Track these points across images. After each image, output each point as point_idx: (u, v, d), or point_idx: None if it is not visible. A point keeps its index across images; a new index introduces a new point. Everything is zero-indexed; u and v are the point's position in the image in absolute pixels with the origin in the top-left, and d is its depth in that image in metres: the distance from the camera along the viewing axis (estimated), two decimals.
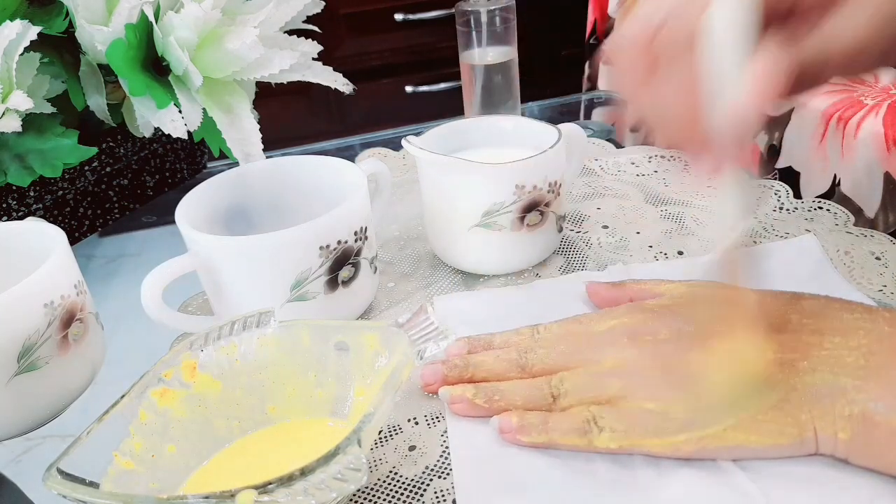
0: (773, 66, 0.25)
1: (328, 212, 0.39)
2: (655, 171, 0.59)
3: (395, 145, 0.69)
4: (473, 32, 0.64)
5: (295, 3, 0.55)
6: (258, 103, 0.57)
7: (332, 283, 0.41)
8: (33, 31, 0.47)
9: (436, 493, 0.32)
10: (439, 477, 0.33)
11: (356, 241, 0.41)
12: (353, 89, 0.57)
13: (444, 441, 0.35)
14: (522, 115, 0.68)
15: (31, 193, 0.53)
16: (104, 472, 0.29)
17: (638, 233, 0.51)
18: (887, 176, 0.53)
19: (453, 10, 0.64)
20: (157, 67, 0.52)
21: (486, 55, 0.64)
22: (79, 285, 0.39)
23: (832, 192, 0.57)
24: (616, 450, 0.32)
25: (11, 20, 0.47)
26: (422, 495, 0.32)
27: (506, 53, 0.64)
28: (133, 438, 0.31)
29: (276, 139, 0.60)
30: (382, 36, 1.33)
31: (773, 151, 0.63)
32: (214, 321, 0.42)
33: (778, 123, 0.62)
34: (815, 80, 0.28)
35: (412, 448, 0.35)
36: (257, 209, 0.47)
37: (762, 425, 0.30)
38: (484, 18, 0.63)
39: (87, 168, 0.57)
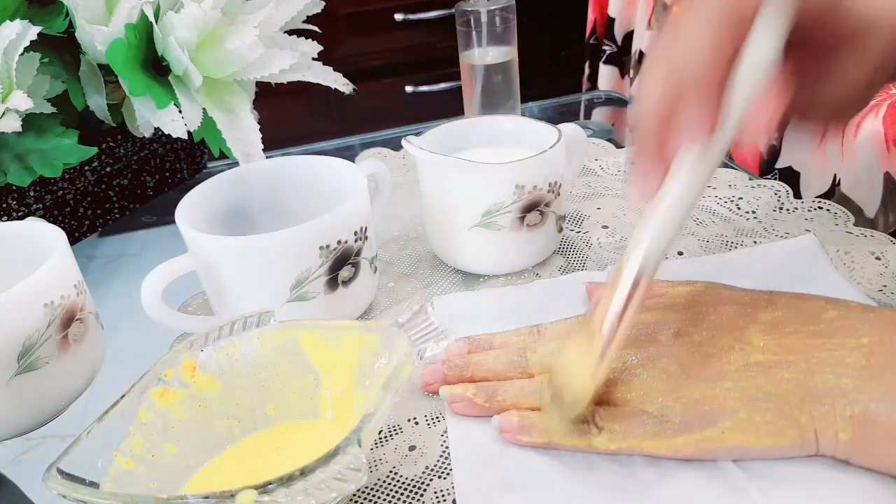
0: (771, 107, 0.26)
1: (328, 212, 0.39)
2: None
3: (395, 145, 0.69)
4: (473, 32, 0.64)
5: (295, 3, 0.55)
6: (258, 103, 0.57)
7: (332, 283, 0.41)
8: (33, 31, 0.47)
9: (436, 493, 0.32)
10: (439, 477, 0.33)
11: (356, 241, 0.41)
12: (353, 89, 0.57)
13: (444, 441, 0.35)
14: (522, 115, 0.69)
15: (31, 193, 0.53)
16: (104, 472, 0.29)
17: None
18: (887, 176, 0.53)
19: (453, 10, 0.64)
20: (157, 67, 0.52)
21: (486, 55, 0.64)
22: (79, 285, 0.39)
23: (832, 192, 0.57)
24: (615, 451, 0.32)
25: (11, 20, 0.47)
26: (422, 495, 0.32)
27: (506, 53, 0.64)
28: (133, 438, 0.31)
29: (276, 139, 0.60)
30: (382, 36, 1.33)
31: (773, 151, 0.63)
32: (214, 321, 0.42)
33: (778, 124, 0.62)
34: (803, 117, 0.29)
35: (412, 448, 0.35)
36: (257, 209, 0.47)
37: (762, 426, 0.30)
38: (484, 18, 0.63)
39: (87, 168, 0.57)
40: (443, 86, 1.35)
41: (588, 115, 0.79)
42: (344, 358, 0.34)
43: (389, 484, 0.33)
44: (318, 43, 0.57)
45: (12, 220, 0.50)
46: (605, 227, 0.52)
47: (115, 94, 0.55)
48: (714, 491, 0.30)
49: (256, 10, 0.52)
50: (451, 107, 0.74)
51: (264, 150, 0.52)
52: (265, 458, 0.33)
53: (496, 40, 0.64)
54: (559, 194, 0.46)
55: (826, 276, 0.42)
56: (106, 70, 0.53)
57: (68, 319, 0.37)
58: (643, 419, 0.31)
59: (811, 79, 0.29)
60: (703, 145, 0.26)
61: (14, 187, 0.52)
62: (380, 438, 0.35)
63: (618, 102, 0.82)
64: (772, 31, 0.26)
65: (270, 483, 0.25)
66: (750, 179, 0.56)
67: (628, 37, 1.09)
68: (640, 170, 0.28)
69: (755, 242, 0.48)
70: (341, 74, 0.57)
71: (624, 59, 1.07)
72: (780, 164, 0.62)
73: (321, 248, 0.39)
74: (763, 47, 0.26)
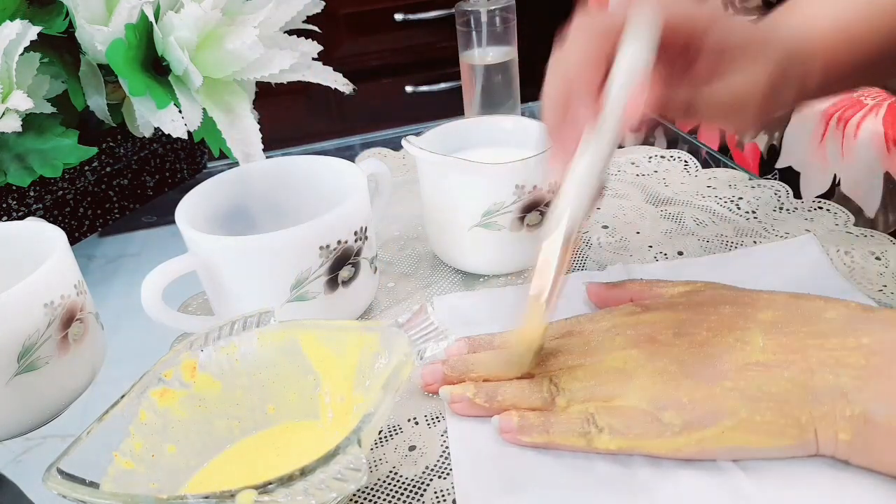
0: (642, 97, 0.31)
1: (328, 212, 0.39)
2: (655, 171, 0.59)
3: (395, 145, 0.69)
4: (473, 32, 0.64)
5: (295, 3, 0.55)
6: (258, 103, 0.57)
7: (332, 283, 0.41)
8: (33, 31, 0.47)
9: (436, 493, 0.32)
10: (439, 477, 0.33)
11: (356, 241, 0.41)
12: (353, 89, 0.57)
13: (444, 441, 0.35)
14: (522, 115, 0.68)
15: (31, 193, 0.53)
16: (104, 472, 0.29)
17: (638, 233, 0.51)
18: (887, 176, 0.53)
19: (453, 10, 0.64)
20: (157, 67, 0.52)
21: (486, 55, 0.64)
22: (79, 285, 0.39)
23: (832, 192, 0.57)
24: (615, 450, 0.32)
25: (11, 20, 0.47)
26: (422, 495, 0.32)
27: (506, 53, 0.64)
28: (133, 438, 0.31)
29: (276, 139, 0.60)
30: (382, 36, 1.33)
31: (773, 151, 0.63)
32: (214, 321, 0.42)
33: (778, 123, 0.62)
34: (687, 115, 0.35)
35: (412, 448, 0.35)
36: (257, 209, 0.47)
37: (763, 426, 0.30)
38: (484, 18, 0.63)
39: (87, 168, 0.57)
40: (443, 86, 1.35)
41: None
42: (344, 358, 0.34)
43: (389, 484, 0.33)
44: (318, 43, 0.57)
45: (12, 220, 0.50)
46: (605, 227, 0.52)
47: (115, 94, 0.55)
48: (714, 491, 0.30)
49: (256, 10, 0.52)
50: (451, 107, 0.74)
51: (264, 150, 0.52)
52: (265, 458, 0.33)
53: (496, 40, 0.64)
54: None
55: (826, 276, 0.42)
56: (106, 70, 0.53)
57: (68, 319, 0.37)
58: (643, 419, 0.31)
59: (702, 80, 0.34)
60: (594, 131, 0.32)
61: (14, 187, 0.52)
62: (380, 438, 0.35)
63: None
64: (638, 42, 0.32)
65: (270, 483, 0.25)
66: (750, 179, 0.56)
67: None
68: (552, 150, 0.34)
69: (755, 242, 0.48)
70: (341, 74, 0.57)
71: None
72: (780, 164, 0.62)
73: (321, 248, 0.39)
74: (631, 54, 0.32)
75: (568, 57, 0.33)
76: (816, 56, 0.37)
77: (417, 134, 0.47)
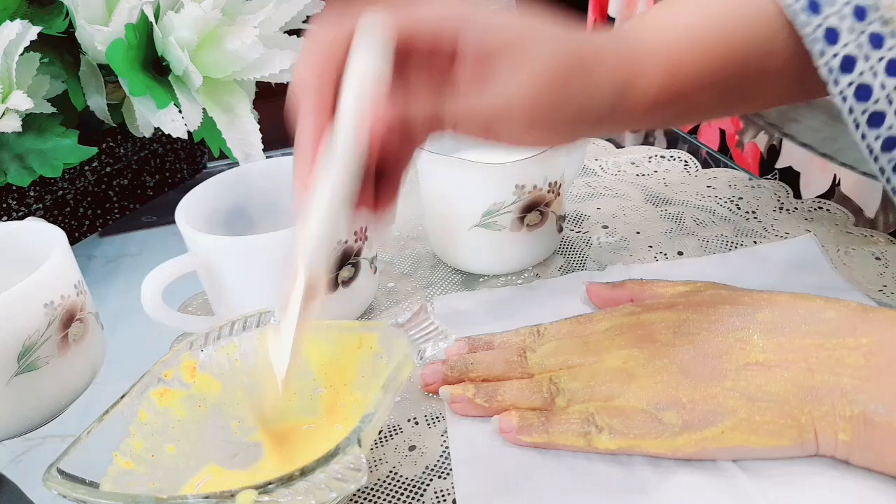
0: (374, 115, 0.28)
1: None
2: (655, 171, 0.59)
3: None
4: None
5: (295, 3, 0.55)
6: (258, 103, 0.57)
7: (332, 283, 0.41)
8: (33, 31, 0.47)
9: (436, 493, 0.32)
10: (439, 477, 0.33)
11: (356, 241, 0.41)
12: None
13: (444, 441, 0.35)
14: None
15: (31, 193, 0.53)
16: (104, 472, 0.29)
17: (638, 233, 0.51)
18: None
19: None
20: (157, 67, 0.52)
21: None
22: (79, 285, 0.39)
23: (832, 192, 0.57)
24: (615, 450, 0.32)
25: (11, 20, 0.47)
26: (422, 495, 0.32)
27: None
28: (133, 438, 0.31)
29: (276, 139, 0.60)
30: None
31: (773, 151, 0.63)
32: (214, 321, 0.42)
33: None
34: (438, 129, 0.31)
35: (412, 448, 0.35)
36: (257, 209, 0.47)
37: (762, 426, 0.30)
38: None
39: (87, 168, 0.57)
40: None
41: None
42: (344, 358, 0.34)
43: (389, 484, 0.33)
44: None
45: (12, 220, 0.50)
46: (605, 227, 0.52)
47: (115, 94, 0.55)
48: (714, 491, 0.30)
49: (256, 10, 0.53)
50: None
51: (264, 150, 0.52)
52: (265, 458, 0.33)
53: None
54: (559, 194, 0.46)
55: (826, 276, 0.42)
56: (106, 70, 0.53)
57: (68, 319, 0.37)
58: (643, 419, 0.31)
59: (464, 90, 0.29)
60: (328, 150, 0.28)
61: (14, 187, 0.52)
62: (380, 438, 0.35)
63: None
64: (367, 53, 0.28)
65: (270, 483, 0.25)
66: (750, 179, 0.56)
67: None
68: (297, 174, 0.31)
69: (755, 242, 0.48)
70: None
71: None
72: (780, 164, 0.62)
73: None
74: (360, 67, 0.28)
75: (299, 72, 0.29)
76: (651, 65, 0.32)
77: None
